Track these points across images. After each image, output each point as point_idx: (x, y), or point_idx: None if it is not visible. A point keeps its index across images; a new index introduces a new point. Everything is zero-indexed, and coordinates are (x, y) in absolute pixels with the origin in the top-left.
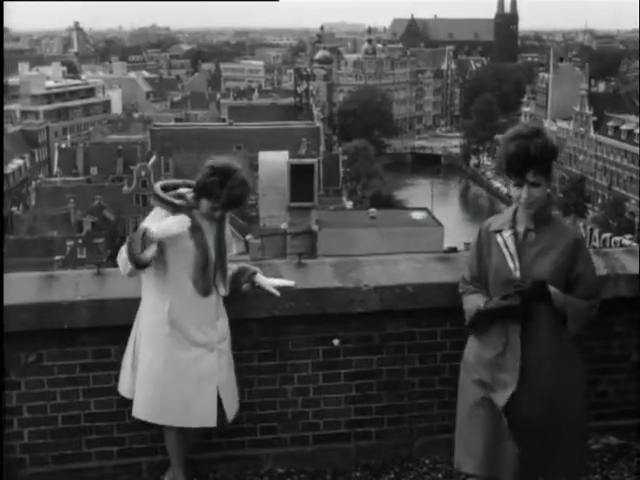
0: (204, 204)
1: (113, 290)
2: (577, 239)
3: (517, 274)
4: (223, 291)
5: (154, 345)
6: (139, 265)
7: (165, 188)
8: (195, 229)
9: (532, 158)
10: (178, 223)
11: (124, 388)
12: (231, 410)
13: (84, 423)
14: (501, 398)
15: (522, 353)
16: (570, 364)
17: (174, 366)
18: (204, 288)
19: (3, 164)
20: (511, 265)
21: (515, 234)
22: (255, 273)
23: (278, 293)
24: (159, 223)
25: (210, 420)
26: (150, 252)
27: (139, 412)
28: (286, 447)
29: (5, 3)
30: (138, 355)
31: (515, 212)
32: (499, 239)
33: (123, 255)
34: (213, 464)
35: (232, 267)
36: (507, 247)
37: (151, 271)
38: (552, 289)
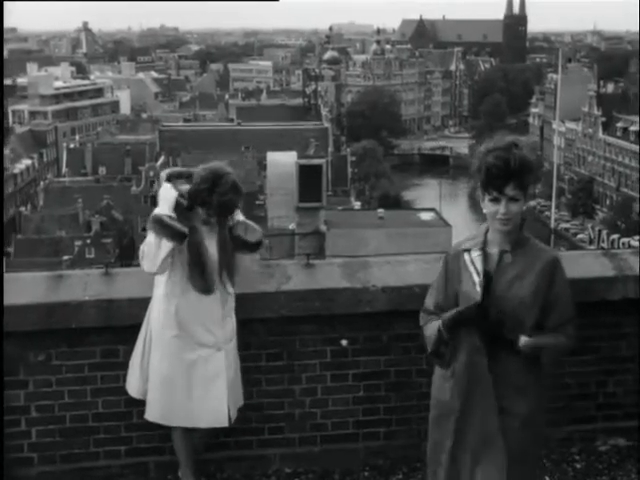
0: (199, 212)
1: (121, 290)
2: (554, 260)
3: (478, 289)
4: (230, 289)
5: (161, 347)
6: (182, 235)
7: (170, 177)
8: (192, 230)
9: (512, 171)
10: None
11: (132, 388)
12: (234, 410)
13: (92, 422)
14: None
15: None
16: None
17: (181, 367)
18: (202, 287)
19: (3, 164)
20: (476, 279)
21: (485, 255)
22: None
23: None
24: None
25: (222, 420)
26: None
27: (150, 414)
28: (294, 447)
29: (5, 3)
30: (147, 355)
31: (486, 232)
32: (466, 257)
33: (147, 249)
34: (221, 464)
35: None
36: (474, 265)
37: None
38: (523, 340)
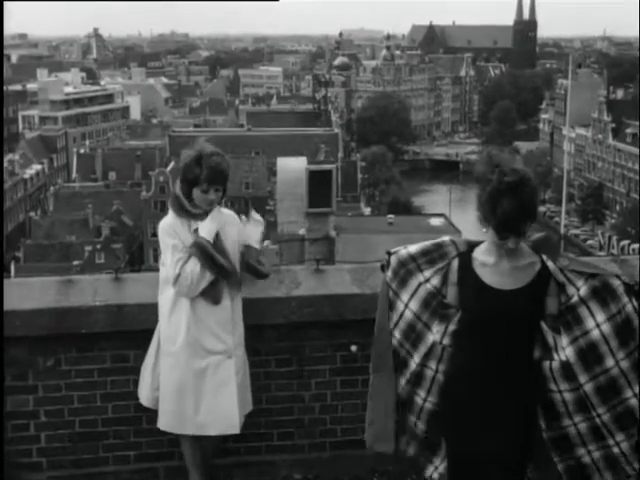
0: (196, 195)
1: (131, 295)
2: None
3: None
4: (238, 295)
5: (171, 355)
6: (228, 273)
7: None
8: (203, 241)
9: (526, 214)
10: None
11: (143, 396)
12: (242, 416)
13: (101, 427)
14: None
15: None
16: None
17: (191, 375)
18: (212, 297)
19: (3, 166)
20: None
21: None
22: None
23: (257, 246)
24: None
25: (233, 427)
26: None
27: (162, 423)
28: (303, 453)
29: (5, 3)
30: (158, 363)
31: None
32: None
33: (190, 279)
34: (230, 469)
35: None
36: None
37: (166, 281)
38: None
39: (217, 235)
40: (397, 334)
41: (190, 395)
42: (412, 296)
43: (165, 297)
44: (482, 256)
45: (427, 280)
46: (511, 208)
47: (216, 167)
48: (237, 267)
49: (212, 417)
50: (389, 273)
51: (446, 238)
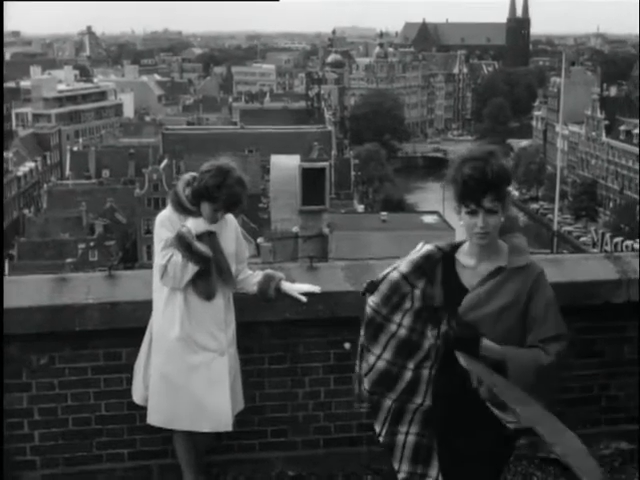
0: (205, 208)
1: (124, 293)
2: (537, 274)
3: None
4: (230, 291)
5: (163, 351)
6: (208, 260)
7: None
8: (199, 238)
9: (489, 181)
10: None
11: (136, 394)
12: (233, 415)
13: (95, 425)
14: None
15: None
16: None
17: (185, 370)
18: (206, 293)
19: (3, 166)
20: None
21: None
22: (281, 280)
23: (304, 299)
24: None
25: (226, 424)
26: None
27: (153, 419)
28: (297, 450)
29: (5, 3)
30: (150, 361)
31: (457, 247)
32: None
33: (173, 270)
34: (224, 467)
35: (258, 273)
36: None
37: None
38: (485, 342)
39: (213, 236)
40: (387, 355)
41: (183, 390)
42: (405, 313)
43: (159, 293)
44: (464, 258)
45: (421, 291)
46: (472, 171)
47: (235, 196)
48: (233, 268)
49: (205, 414)
50: (377, 299)
51: (431, 246)
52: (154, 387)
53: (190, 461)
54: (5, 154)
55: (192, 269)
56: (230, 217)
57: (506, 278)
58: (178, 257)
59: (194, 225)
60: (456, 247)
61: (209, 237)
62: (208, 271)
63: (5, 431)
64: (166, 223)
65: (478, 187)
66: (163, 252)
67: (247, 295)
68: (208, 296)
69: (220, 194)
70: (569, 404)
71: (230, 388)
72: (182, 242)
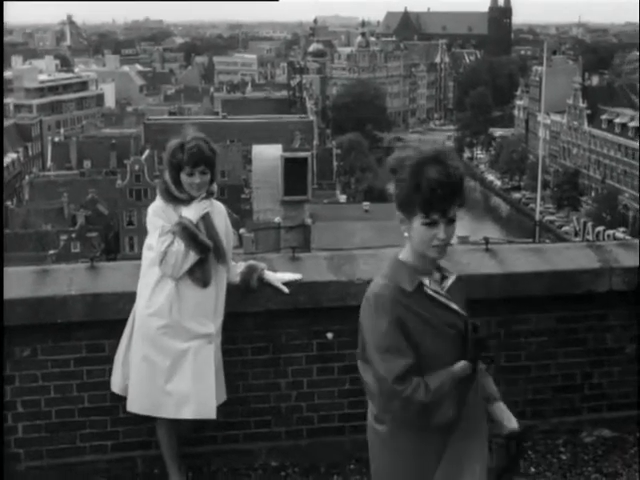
0: (183, 180)
1: (106, 284)
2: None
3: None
4: (225, 279)
5: (147, 337)
6: (209, 250)
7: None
8: (192, 224)
9: (456, 188)
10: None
11: (115, 384)
12: (218, 405)
13: (78, 417)
14: None
15: None
16: None
17: (169, 357)
18: (202, 280)
19: (3, 162)
20: (454, 306)
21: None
22: (263, 270)
23: (287, 290)
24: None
25: (210, 412)
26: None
27: (134, 406)
28: (280, 441)
29: (5, 3)
30: (130, 351)
31: (402, 264)
32: (428, 291)
33: (174, 257)
34: (207, 458)
35: (240, 264)
36: (439, 294)
37: (151, 264)
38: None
39: (207, 217)
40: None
41: (167, 377)
42: None
43: (147, 279)
44: (423, 279)
45: None
46: (439, 176)
47: (196, 150)
48: (228, 251)
49: (189, 401)
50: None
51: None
52: (136, 373)
53: (174, 451)
54: None
55: (193, 258)
56: (219, 204)
57: (462, 287)
58: (180, 246)
59: (191, 214)
60: (397, 275)
61: (203, 218)
62: (206, 258)
63: None
64: (159, 212)
65: (447, 194)
66: (162, 238)
67: (230, 286)
68: (204, 283)
69: (183, 154)
70: (552, 392)
71: (217, 378)
72: (186, 232)
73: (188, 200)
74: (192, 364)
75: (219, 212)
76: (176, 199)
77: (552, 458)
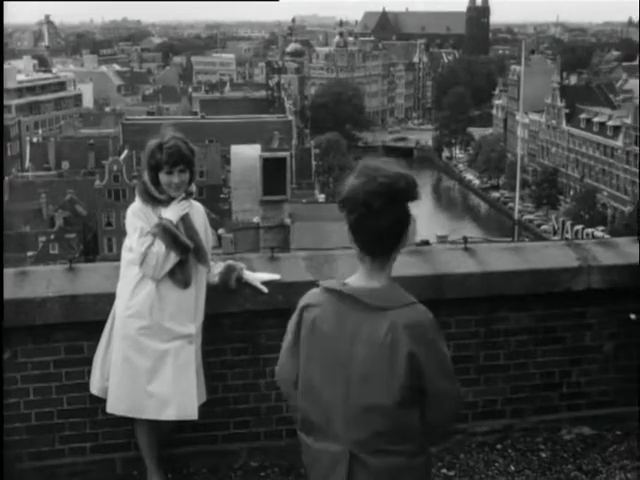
0: (162, 179)
1: (85, 286)
2: None
3: None
4: (205, 279)
5: (129, 338)
6: (186, 249)
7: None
8: (171, 225)
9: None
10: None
11: (94, 385)
12: (198, 405)
13: (57, 419)
14: None
15: None
16: None
17: (150, 358)
18: (182, 281)
19: (3, 161)
20: None
21: None
22: (242, 269)
23: (266, 290)
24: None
25: (191, 413)
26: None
27: (114, 408)
28: (260, 441)
29: (5, 3)
30: (109, 353)
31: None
32: None
33: (155, 259)
34: (187, 459)
35: (219, 264)
36: None
37: (130, 266)
38: None
39: (186, 217)
40: None
41: (148, 378)
42: None
43: (127, 280)
44: None
45: None
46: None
47: (175, 149)
48: (207, 249)
49: (171, 402)
50: None
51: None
52: (116, 375)
53: (153, 453)
54: None
55: (174, 259)
56: (197, 204)
57: None
58: (161, 247)
59: (170, 214)
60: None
61: (182, 219)
62: (187, 259)
63: None
64: (139, 214)
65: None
66: (140, 240)
67: (208, 286)
68: (185, 284)
69: (162, 153)
70: (531, 390)
71: (198, 378)
72: (167, 234)
73: (167, 201)
74: (173, 365)
75: (198, 212)
76: (155, 200)
77: (532, 456)
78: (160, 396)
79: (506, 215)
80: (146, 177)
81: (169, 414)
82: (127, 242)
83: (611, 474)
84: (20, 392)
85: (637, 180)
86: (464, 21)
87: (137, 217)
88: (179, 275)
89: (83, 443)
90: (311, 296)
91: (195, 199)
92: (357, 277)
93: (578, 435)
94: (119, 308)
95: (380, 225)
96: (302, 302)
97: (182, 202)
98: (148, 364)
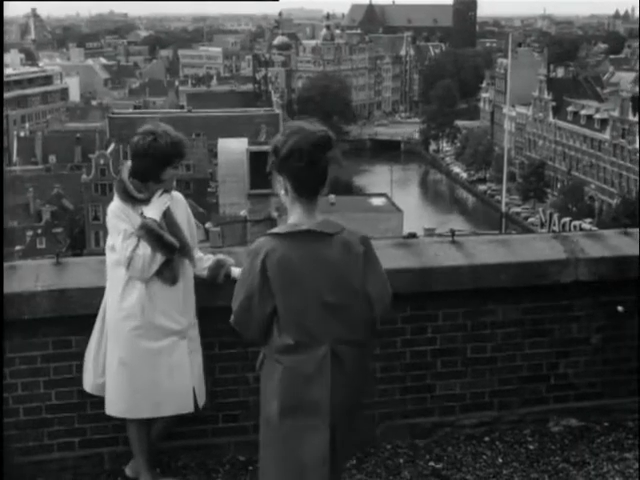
0: (170, 173)
1: (73, 280)
2: None
3: None
4: (192, 271)
5: (122, 339)
6: (172, 249)
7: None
8: (154, 223)
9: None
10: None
11: (86, 383)
12: (201, 397)
13: (45, 414)
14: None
15: None
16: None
17: (145, 357)
18: (170, 278)
19: (3, 160)
20: None
21: None
22: (231, 266)
23: None
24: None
25: (187, 406)
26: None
27: (114, 410)
28: (248, 435)
29: (5, 3)
30: (101, 350)
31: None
32: None
33: (142, 261)
34: (175, 453)
35: (209, 256)
36: None
37: (116, 266)
38: None
39: (168, 212)
40: None
41: (144, 378)
42: None
43: (115, 282)
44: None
45: None
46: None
47: (185, 142)
48: (193, 242)
49: (167, 398)
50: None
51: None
52: (112, 377)
53: (143, 448)
54: None
55: (160, 259)
56: (177, 194)
57: None
58: (146, 249)
59: (153, 212)
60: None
61: (164, 214)
62: (172, 257)
63: None
64: (119, 214)
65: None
66: (125, 243)
67: (197, 280)
68: (173, 281)
69: (173, 148)
70: (518, 383)
71: (196, 371)
72: (151, 235)
73: (147, 200)
74: (167, 363)
75: (179, 204)
76: (134, 199)
77: (519, 448)
78: (156, 394)
79: (493, 208)
80: (125, 176)
81: (166, 410)
82: (110, 242)
83: (599, 465)
84: (8, 387)
85: (624, 173)
86: (451, 14)
87: (118, 218)
88: (167, 273)
89: (72, 438)
90: (264, 245)
91: (184, 194)
92: (298, 218)
93: (566, 427)
94: (110, 309)
95: (318, 171)
96: (259, 252)
97: (162, 196)
98: (142, 363)
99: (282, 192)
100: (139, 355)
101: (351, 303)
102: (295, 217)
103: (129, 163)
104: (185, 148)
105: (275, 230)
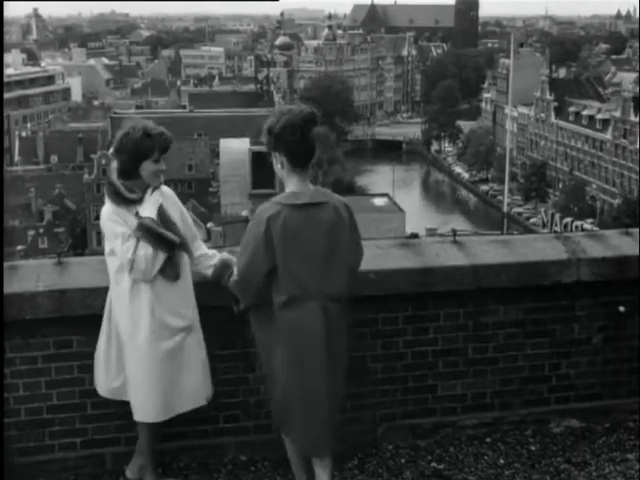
0: (147, 167)
1: (74, 280)
2: None
3: None
4: (188, 265)
5: (140, 347)
6: (173, 245)
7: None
8: (152, 221)
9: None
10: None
11: (100, 386)
12: (209, 389)
13: (47, 415)
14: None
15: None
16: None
17: (164, 359)
18: (172, 274)
19: (3, 160)
20: None
21: None
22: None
23: None
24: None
25: (200, 400)
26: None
27: (145, 416)
28: (249, 435)
29: (5, 3)
30: (111, 351)
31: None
32: None
33: (144, 262)
34: (177, 453)
35: (214, 252)
36: None
37: (119, 271)
38: None
39: (161, 209)
40: None
41: (165, 379)
42: None
43: (122, 287)
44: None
45: None
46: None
47: (165, 135)
48: (190, 234)
49: (185, 394)
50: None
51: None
52: (139, 385)
53: (151, 448)
54: None
55: (162, 257)
56: (166, 189)
57: None
58: (147, 249)
59: (148, 211)
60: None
61: (158, 212)
62: (173, 254)
63: None
64: (114, 217)
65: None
66: (125, 246)
67: (198, 279)
68: (175, 277)
69: (152, 140)
70: (520, 383)
71: (203, 362)
72: (151, 234)
73: (140, 199)
74: (181, 360)
75: (169, 199)
76: (125, 200)
77: (521, 449)
78: (177, 392)
79: (495, 208)
80: (114, 177)
81: (182, 407)
82: (108, 247)
83: (600, 466)
84: (9, 387)
85: (625, 173)
86: (453, 14)
87: (113, 221)
88: (169, 270)
89: (73, 438)
90: (267, 210)
91: (187, 194)
92: (296, 188)
93: (567, 428)
94: (121, 318)
95: (309, 144)
96: (263, 216)
97: (154, 194)
98: (163, 366)
99: (278, 166)
100: (160, 358)
101: (341, 261)
102: (292, 186)
103: (115, 164)
104: (165, 142)
105: (277, 199)
